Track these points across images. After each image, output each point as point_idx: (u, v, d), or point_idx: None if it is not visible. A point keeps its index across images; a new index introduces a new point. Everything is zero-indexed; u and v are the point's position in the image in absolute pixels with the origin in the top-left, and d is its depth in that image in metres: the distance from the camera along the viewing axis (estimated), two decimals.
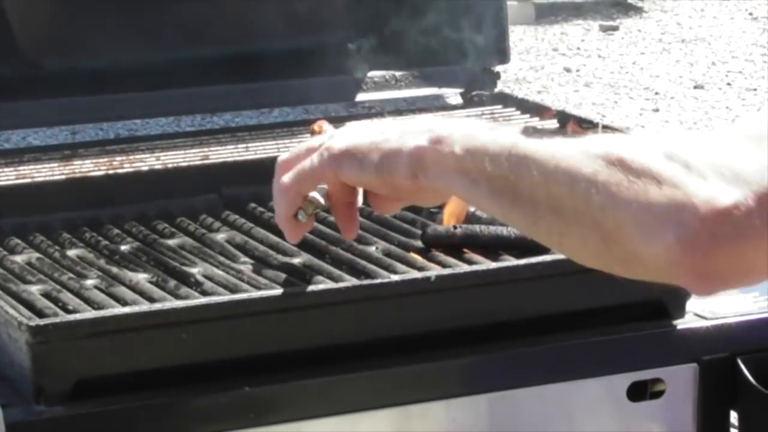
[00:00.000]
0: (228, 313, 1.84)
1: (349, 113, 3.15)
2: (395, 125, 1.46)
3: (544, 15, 11.57)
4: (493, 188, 1.18)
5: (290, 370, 1.89)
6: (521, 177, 1.12)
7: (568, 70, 9.37)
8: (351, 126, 1.74)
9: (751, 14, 11.42)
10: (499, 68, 3.32)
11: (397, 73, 3.21)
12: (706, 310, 2.32)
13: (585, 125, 2.68)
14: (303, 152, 1.53)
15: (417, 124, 1.39)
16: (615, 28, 10.69)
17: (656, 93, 8.82)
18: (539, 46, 10.48)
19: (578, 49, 10.06)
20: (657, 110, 8.43)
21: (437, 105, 3.21)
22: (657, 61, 9.82)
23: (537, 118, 2.88)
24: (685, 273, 0.93)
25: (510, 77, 9.51)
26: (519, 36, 10.99)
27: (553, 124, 2.80)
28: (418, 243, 2.34)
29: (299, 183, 1.53)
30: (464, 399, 2.02)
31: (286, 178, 1.51)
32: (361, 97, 3.19)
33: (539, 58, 10.02)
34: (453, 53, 3.19)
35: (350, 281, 1.99)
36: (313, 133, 2.20)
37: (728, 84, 9.21)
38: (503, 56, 3.29)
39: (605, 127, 2.70)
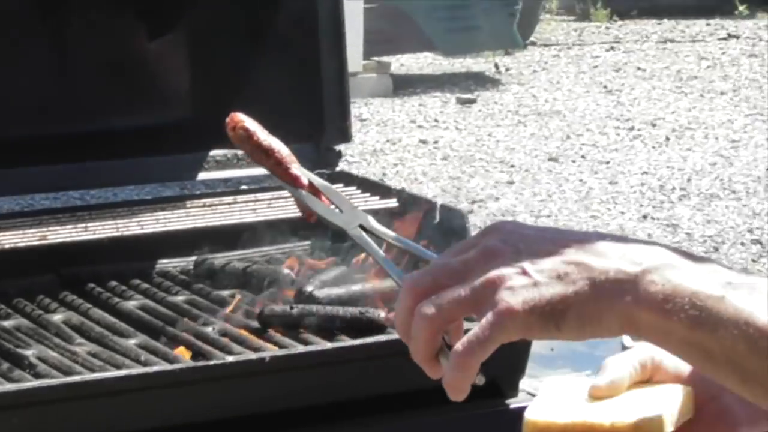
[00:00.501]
0: (60, 396, 1.80)
1: (191, 193, 3.14)
2: (574, 253, 1.11)
3: (402, 87, 11.74)
4: (743, 375, 0.99)
5: None
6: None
7: (424, 142, 9.54)
8: (515, 253, 1.15)
9: (605, 87, 11.77)
10: (342, 146, 3.31)
11: (239, 152, 3.06)
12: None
13: (423, 205, 2.79)
14: (463, 296, 1.11)
15: (604, 260, 1.09)
16: (472, 101, 10.93)
17: (511, 166, 9.01)
18: (396, 118, 10.58)
19: (436, 121, 10.30)
20: (512, 182, 8.60)
21: (278, 183, 2.90)
22: (513, 134, 10.03)
23: (377, 197, 2.91)
24: None
25: (367, 149, 9.58)
26: (377, 108, 11.09)
27: (392, 203, 2.85)
28: (255, 323, 2.31)
29: (483, 353, 1.10)
30: None
31: (462, 347, 1.09)
32: (202, 175, 3.16)
33: (396, 131, 10.11)
34: (294, 132, 2.93)
35: (185, 362, 1.97)
36: None
37: (582, 156, 9.44)
38: (344, 135, 3.25)
39: (443, 207, 2.74)
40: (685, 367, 1.21)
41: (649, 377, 1.20)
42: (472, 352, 0.99)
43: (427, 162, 9.21)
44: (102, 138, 3.04)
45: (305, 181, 1.68)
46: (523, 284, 0.98)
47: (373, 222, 1.51)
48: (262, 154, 1.77)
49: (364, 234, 1.52)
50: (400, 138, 9.85)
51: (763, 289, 0.92)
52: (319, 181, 1.71)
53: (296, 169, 1.72)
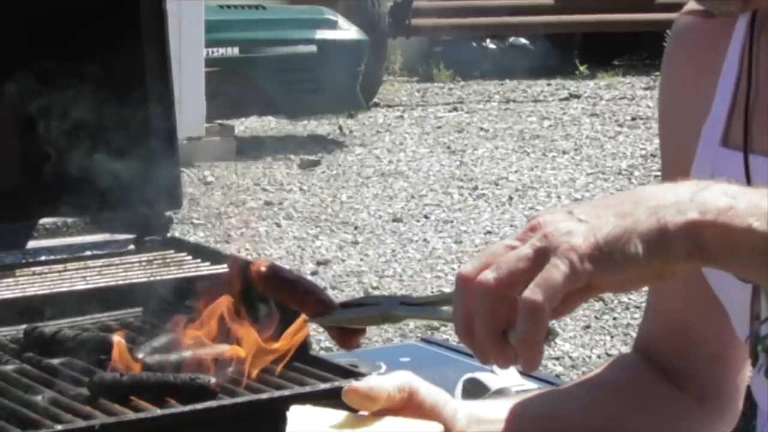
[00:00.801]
0: None
1: (20, 261, 3.05)
2: (625, 198, 1.16)
3: (247, 150, 11.78)
4: None
5: None
6: None
7: (269, 204, 9.64)
8: (566, 214, 1.17)
9: (449, 148, 12.01)
10: (174, 212, 3.35)
11: (69, 220, 3.14)
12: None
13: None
14: (523, 254, 1.11)
15: (657, 195, 1.14)
16: (316, 163, 11.10)
17: (356, 227, 9.16)
18: (241, 181, 10.67)
19: (280, 183, 10.43)
20: (356, 243, 8.71)
21: (111, 251, 3.16)
22: (357, 195, 10.22)
23: (208, 263, 2.96)
24: None
25: (212, 212, 9.57)
26: (221, 171, 11.02)
27: (224, 268, 2.72)
28: (86, 391, 2.28)
29: (552, 296, 1.09)
30: None
31: (530, 291, 1.09)
32: (32, 244, 3.08)
33: (240, 193, 10.20)
34: (125, 199, 3.12)
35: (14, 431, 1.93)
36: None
37: (426, 216, 9.58)
38: (175, 201, 3.25)
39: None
40: (441, 403, 1.36)
41: (404, 405, 1.30)
42: (540, 295, 0.99)
43: (271, 223, 9.30)
44: None
45: (336, 304, 1.67)
46: (581, 228, 1.02)
47: (409, 297, 1.76)
48: (290, 291, 1.77)
49: (410, 307, 1.54)
50: (245, 200, 9.90)
51: None
52: (345, 301, 1.74)
53: (324, 294, 1.71)
